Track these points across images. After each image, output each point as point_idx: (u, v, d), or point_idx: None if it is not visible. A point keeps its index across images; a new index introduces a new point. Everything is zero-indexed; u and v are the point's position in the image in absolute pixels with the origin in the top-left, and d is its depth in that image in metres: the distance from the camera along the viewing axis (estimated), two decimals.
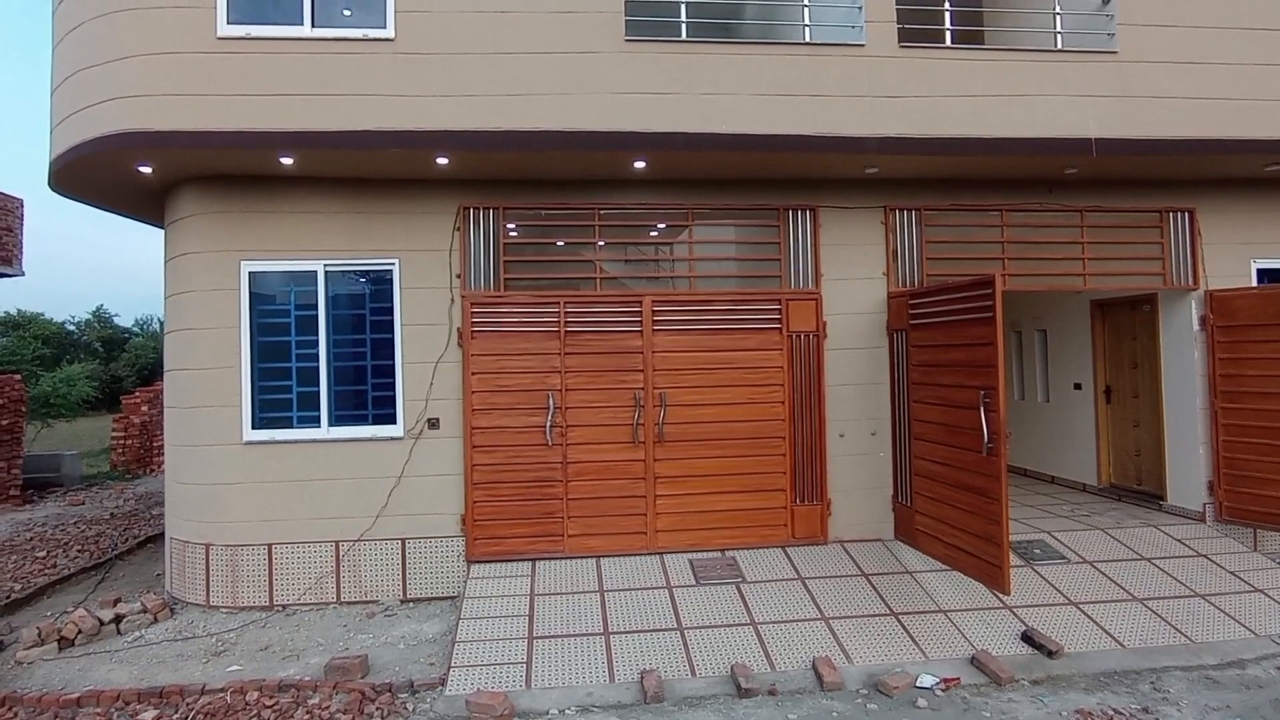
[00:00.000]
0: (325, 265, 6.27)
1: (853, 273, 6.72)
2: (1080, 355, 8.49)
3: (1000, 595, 5.52)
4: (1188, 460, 7.07)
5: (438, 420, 6.30)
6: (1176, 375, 7.21)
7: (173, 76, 5.48)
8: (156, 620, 5.87)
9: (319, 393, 6.24)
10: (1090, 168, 6.54)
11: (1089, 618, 5.40)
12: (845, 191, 6.73)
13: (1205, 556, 6.28)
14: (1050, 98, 6.14)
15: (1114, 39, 6.26)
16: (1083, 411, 8.47)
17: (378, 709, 4.41)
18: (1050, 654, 4.91)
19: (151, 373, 25.95)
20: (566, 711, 4.39)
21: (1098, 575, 5.97)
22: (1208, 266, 7.06)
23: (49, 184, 6.32)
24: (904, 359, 6.56)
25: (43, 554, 7.99)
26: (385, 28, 5.66)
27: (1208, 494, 6.89)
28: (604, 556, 6.29)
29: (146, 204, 6.93)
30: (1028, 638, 5.09)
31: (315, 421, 6.24)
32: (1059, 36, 6.37)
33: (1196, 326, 7.00)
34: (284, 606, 6.11)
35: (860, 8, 6.07)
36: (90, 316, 31.81)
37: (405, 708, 4.46)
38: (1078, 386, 8.54)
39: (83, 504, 10.85)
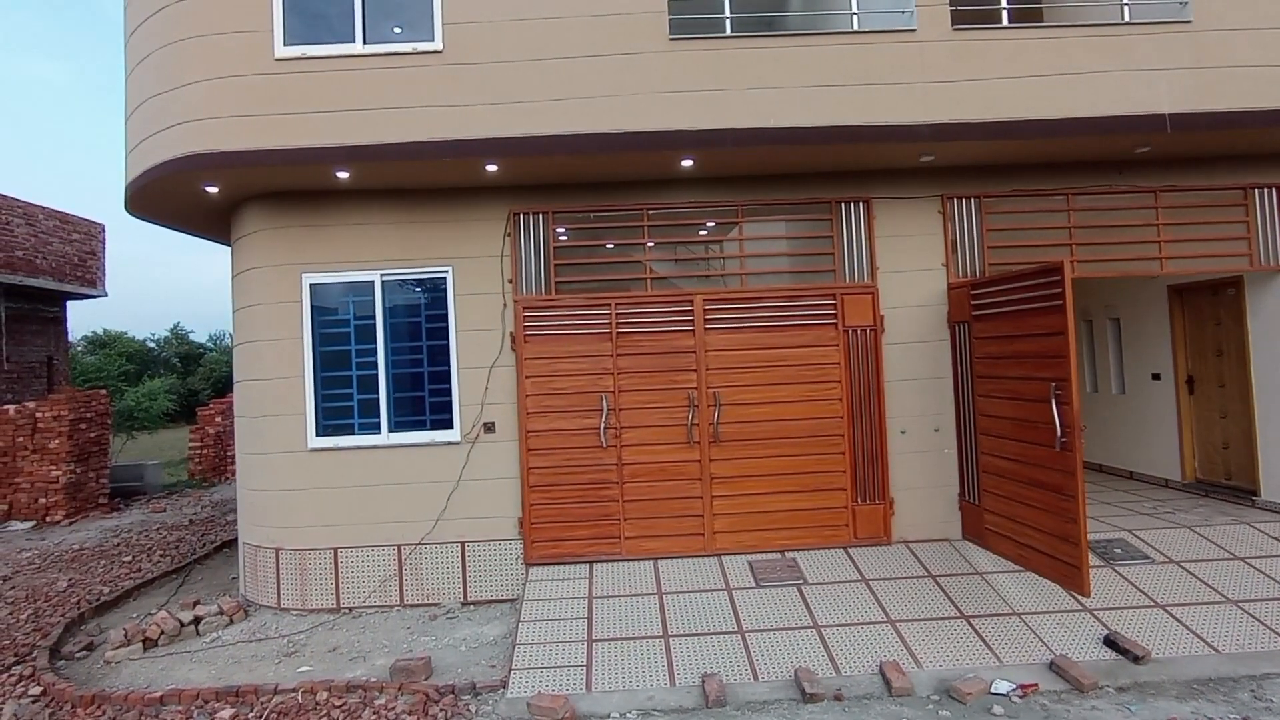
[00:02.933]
0: (382, 275, 6.42)
1: (910, 264, 6.52)
2: (1158, 344, 8.04)
3: (1079, 597, 5.26)
4: None
5: (493, 424, 6.37)
6: (1267, 362, 6.76)
7: (235, 98, 5.70)
8: (232, 622, 6.09)
9: (379, 400, 6.39)
10: (1164, 145, 6.19)
11: (1178, 621, 5.08)
12: (899, 181, 6.54)
13: None
14: (1118, 73, 5.85)
15: (1187, 8, 5.93)
16: (1163, 403, 8.01)
17: (441, 710, 4.47)
18: (1136, 659, 4.64)
19: (225, 385, 27.16)
20: (627, 715, 4.36)
21: (1186, 576, 5.62)
22: None
23: (125, 207, 6.66)
24: (967, 352, 6.33)
25: (129, 559, 8.43)
26: (433, 40, 5.77)
27: None
28: (661, 558, 6.25)
29: (214, 223, 7.23)
30: (1111, 642, 4.82)
31: (375, 428, 6.38)
32: (1125, 9, 6.06)
33: None
34: (350, 609, 6.26)
35: None
36: (169, 334, 33.47)
37: (468, 709, 4.50)
38: (1156, 377, 8.08)
39: (164, 511, 11.42)
